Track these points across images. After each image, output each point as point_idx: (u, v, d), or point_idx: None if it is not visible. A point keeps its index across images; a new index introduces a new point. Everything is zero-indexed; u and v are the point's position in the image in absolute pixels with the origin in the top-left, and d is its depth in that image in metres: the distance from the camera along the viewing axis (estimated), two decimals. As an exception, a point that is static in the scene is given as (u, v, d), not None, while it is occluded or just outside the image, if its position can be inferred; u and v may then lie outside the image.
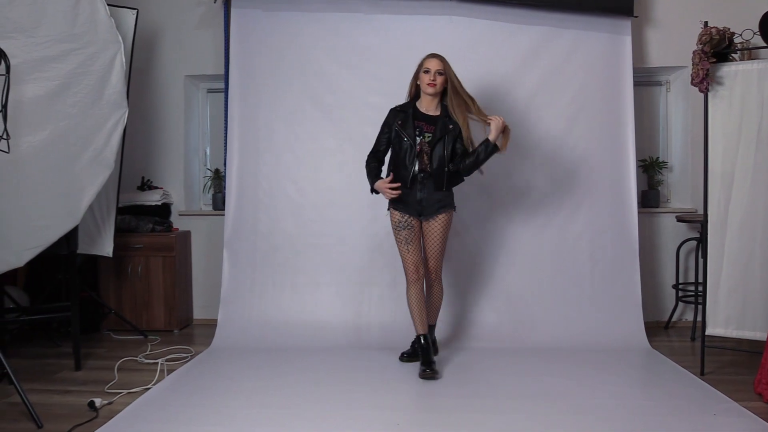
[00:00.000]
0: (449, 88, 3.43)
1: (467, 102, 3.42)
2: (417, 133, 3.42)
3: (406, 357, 3.66)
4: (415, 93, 3.54)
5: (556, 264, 4.22)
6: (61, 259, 4.05)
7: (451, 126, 3.42)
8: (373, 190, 3.52)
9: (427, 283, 3.59)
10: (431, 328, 3.70)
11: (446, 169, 3.42)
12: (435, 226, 3.48)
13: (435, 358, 3.53)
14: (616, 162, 4.28)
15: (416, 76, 3.48)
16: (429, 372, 3.32)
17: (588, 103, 4.29)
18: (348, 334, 4.05)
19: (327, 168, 4.33)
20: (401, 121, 3.44)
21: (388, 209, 3.52)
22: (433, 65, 3.39)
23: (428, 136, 3.41)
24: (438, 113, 3.47)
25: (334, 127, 4.33)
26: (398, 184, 3.38)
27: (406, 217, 3.44)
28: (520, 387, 3.23)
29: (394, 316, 4.11)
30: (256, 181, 4.35)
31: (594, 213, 4.25)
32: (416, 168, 3.40)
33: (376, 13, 4.32)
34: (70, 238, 3.59)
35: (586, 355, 3.77)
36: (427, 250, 3.52)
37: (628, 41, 4.30)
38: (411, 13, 4.32)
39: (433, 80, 3.38)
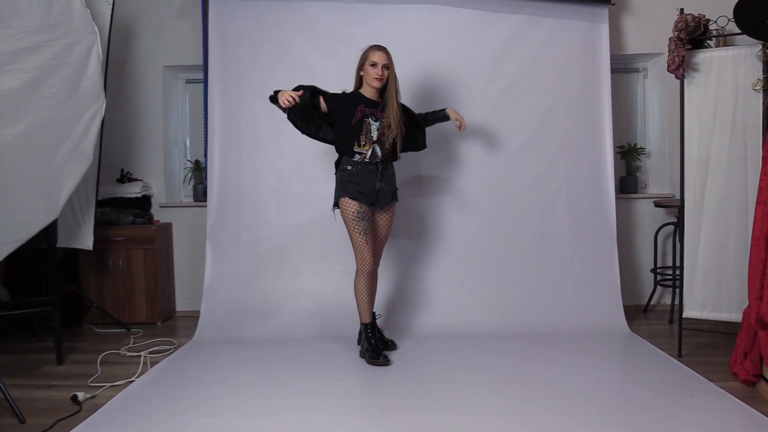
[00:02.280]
0: (390, 82, 3.41)
1: (398, 113, 3.42)
2: (373, 119, 3.41)
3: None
4: (359, 84, 3.51)
5: (536, 249, 4.27)
6: (41, 253, 4.01)
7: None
8: (273, 98, 3.39)
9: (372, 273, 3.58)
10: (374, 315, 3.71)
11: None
12: (388, 217, 3.57)
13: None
14: (595, 148, 4.32)
15: (361, 68, 3.44)
16: (383, 360, 3.41)
17: (566, 90, 4.32)
18: (332, 322, 4.06)
19: (309, 157, 4.32)
20: (350, 102, 3.42)
21: (337, 203, 3.47)
22: (381, 59, 3.36)
23: (385, 121, 3.42)
24: (379, 99, 3.48)
25: (315, 116, 4.31)
26: (300, 93, 3.31)
27: (364, 208, 3.42)
28: (501, 371, 3.27)
29: (377, 305, 4.12)
30: (238, 172, 4.33)
31: (573, 199, 4.30)
32: (379, 153, 3.41)
33: (356, 2, 4.31)
34: (50, 231, 3.56)
35: (567, 339, 3.82)
36: (377, 241, 3.57)
37: (605, 29, 4.33)
38: (391, 2, 4.31)
39: (381, 75, 3.35)
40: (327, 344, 3.81)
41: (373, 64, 3.36)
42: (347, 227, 3.45)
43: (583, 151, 4.32)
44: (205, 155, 4.46)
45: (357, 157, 3.41)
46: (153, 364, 3.52)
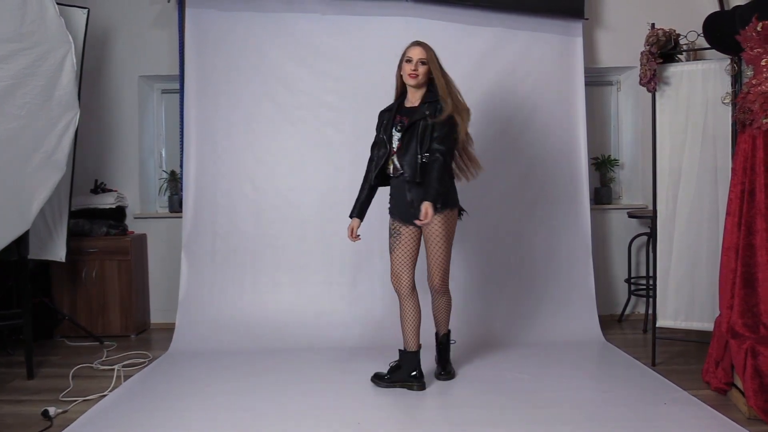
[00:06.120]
0: (436, 77, 3.11)
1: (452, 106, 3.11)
2: (398, 129, 3.15)
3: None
4: (403, 88, 3.22)
5: (512, 260, 4.30)
6: (12, 265, 3.94)
7: (427, 112, 3.07)
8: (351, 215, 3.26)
9: (431, 293, 3.30)
10: (445, 335, 3.38)
11: (419, 159, 3.06)
12: (431, 229, 3.12)
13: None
14: (569, 160, 4.38)
15: (400, 67, 3.17)
16: (374, 378, 3.26)
17: (541, 102, 4.38)
18: (308, 334, 4.04)
19: (286, 168, 4.32)
20: (386, 121, 3.20)
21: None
22: (416, 54, 3.09)
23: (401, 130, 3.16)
24: (418, 104, 3.15)
25: (293, 127, 4.32)
26: (358, 239, 3.25)
27: (395, 224, 3.21)
28: (477, 382, 3.28)
29: (354, 316, 4.12)
30: (214, 182, 4.31)
31: (548, 210, 4.34)
32: (398, 166, 3.14)
33: (332, 13, 4.32)
34: (21, 243, 3.50)
35: (543, 348, 3.85)
36: (427, 257, 3.20)
37: (579, 42, 4.41)
38: (367, 14, 4.33)
39: (415, 70, 3.07)
40: (303, 356, 3.78)
41: (408, 60, 3.10)
42: None
43: (558, 163, 4.37)
44: (181, 166, 4.44)
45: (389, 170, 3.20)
46: (127, 377, 3.47)
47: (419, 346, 3.24)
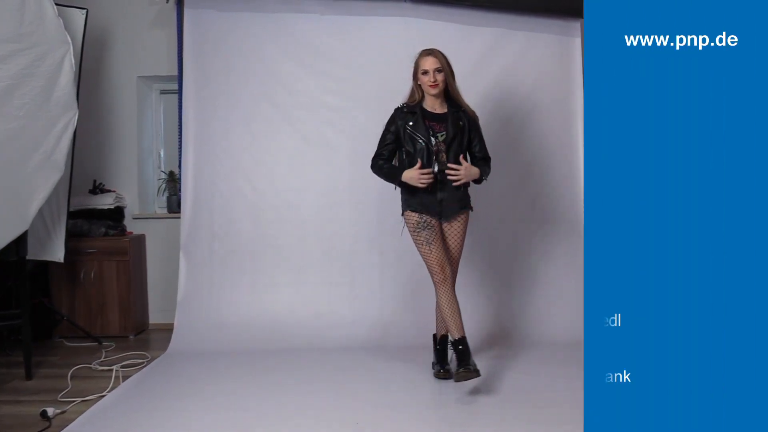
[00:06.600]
0: (450, 84, 3.23)
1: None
2: (430, 133, 3.20)
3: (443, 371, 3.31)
4: (421, 93, 3.27)
5: (509, 261, 4.31)
6: (11, 265, 3.94)
7: (461, 123, 3.22)
8: (400, 183, 3.21)
9: None
10: (443, 338, 3.45)
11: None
12: (456, 227, 3.28)
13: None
14: (567, 160, 4.39)
15: (415, 77, 3.23)
16: (466, 372, 3.01)
17: (539, 103, 4.38)
18: (307, 334, 4.04)
19: (284, 169, 4.31)
20: (412, 123, 3.20)
21: (403, 213, 3.28)
22: (431, 64, 3.15)
23: (442, 136, 3.18)
24: (445, 110, 3.24)
25: (292, 127, 4.32)
26: (430, 170, 3.13)
27: (425, 218, 3.19)
28: (477, 382, 3.27)
29: (353, 317, 4.12)
30: (212, 183, 4.31)
31: (546, 210, 4.35)
32: (435, 168, 3.18)
33: (331, 13, 4.32)
34: (20, 243, 3.50)
35: (542, 348, 3.86)
36: (448, 254, 3.29)
37: (577, 42, 4.42)
38: (366, 14, 4.34)
39: (435, 81, 3.15)
40: (303, 356, 3.78)
41: (425, 72, 3.16)
42: (413, 241, 3.28)
43: (555, 164, 4.38)
44: (180, 166, 4.44)
45: None
46: (125, 378, 3.47)
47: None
